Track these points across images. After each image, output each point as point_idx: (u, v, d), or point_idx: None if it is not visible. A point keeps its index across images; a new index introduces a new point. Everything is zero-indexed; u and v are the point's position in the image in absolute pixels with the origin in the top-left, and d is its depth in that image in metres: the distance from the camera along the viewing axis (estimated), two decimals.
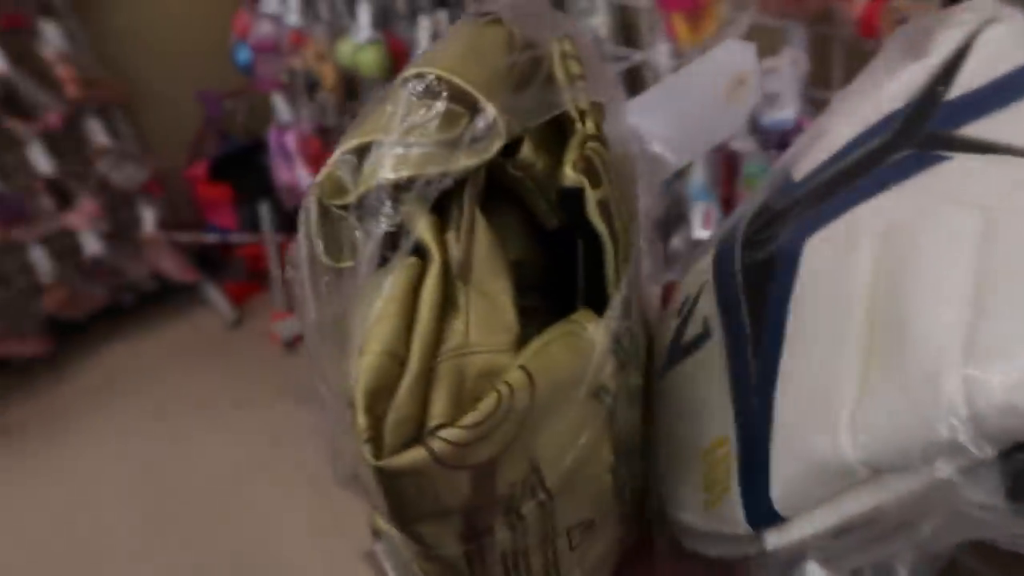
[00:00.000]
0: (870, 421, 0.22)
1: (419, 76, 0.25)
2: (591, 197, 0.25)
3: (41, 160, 1.88)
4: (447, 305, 0.24)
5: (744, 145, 1.17)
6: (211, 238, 2.09)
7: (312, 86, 1.69)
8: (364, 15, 1.53)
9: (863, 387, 0.22)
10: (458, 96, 0.24)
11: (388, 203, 0.24)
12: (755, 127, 1.16)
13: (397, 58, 1.53)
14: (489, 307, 0.24)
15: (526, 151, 0.26)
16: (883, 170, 0.27)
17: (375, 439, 0.22)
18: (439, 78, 0.24)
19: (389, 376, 0.22)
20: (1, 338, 1.90)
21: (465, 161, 0.24)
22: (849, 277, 0.24)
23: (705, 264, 0.33)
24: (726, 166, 1.23)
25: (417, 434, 0.22)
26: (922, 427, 0.20)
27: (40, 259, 1.95)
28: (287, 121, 1.85)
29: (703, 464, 0.29)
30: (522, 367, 0.23)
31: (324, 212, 0.25)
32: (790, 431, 0.25)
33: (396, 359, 0.22)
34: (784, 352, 0.26)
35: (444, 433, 0.22)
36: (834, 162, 0.29)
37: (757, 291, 0.28)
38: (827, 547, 0.25)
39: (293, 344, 1.94)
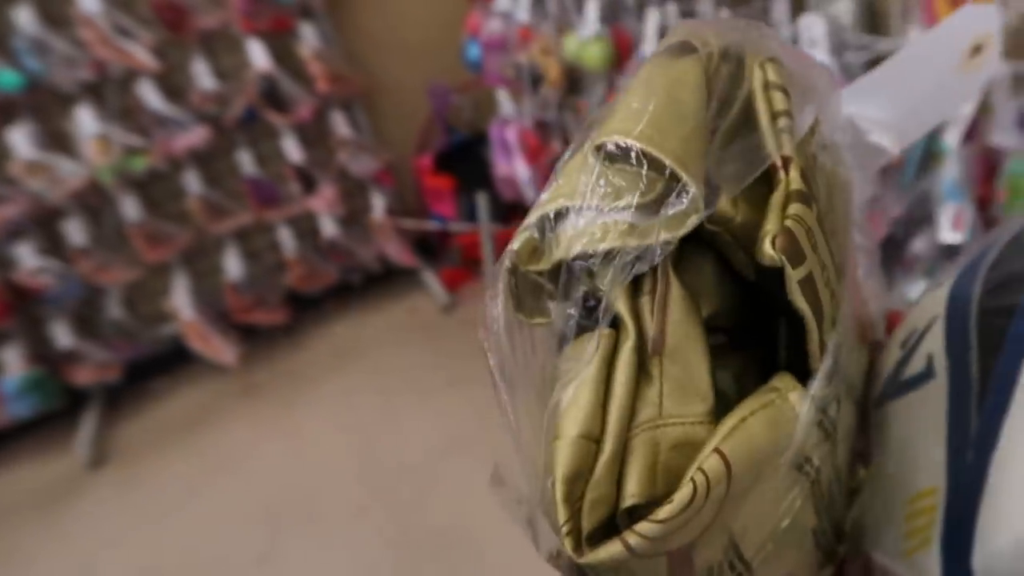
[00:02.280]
0: None
1: (618, 147, 0.24)
2: (792, 277, 0.23)
3: (292, 149, 2.09)
4: (640, 374, 0.23)
5: (1009, 140, 1.05)
6: (432, 226, 2.21)
7: (536, 80, 1.74)
8: (591, 10, 1.54)
9: None
10: (657, 165, 0.23)
11: (584, 274, 0.24)
12: None
13: (622, 52, 1.53)
14: (684, 376, 0.23)
15: (724, 205, 0.24)
16: None
17: (573, 532, 0.22)
18: (640, 151, 0.23)
19: (585, 459, 0.22)
20: (250, 307, 2.13)
21: (663, 235, 0.23)
22: None
23: (939, 297, 0.31)
24: (984, 163, 1.10)
25: (612, 513, 0.22)
26: None
27: (286, 238, 2.17)
28: (509, 115, 1.91)
29: (907, 510, 0.28)
30: (718, 451, 0.22)
31: (517, 273, 0.25)
32: (1004, 500, 0.23)
33: (591, 440, 0.22)
34: (1011, 412, 0.24)
35: (640, 527, 0.21)
36: None
37: (992, 341, 0.26)
38: None
39: None
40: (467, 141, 2.19)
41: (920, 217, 1.13)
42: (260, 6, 1.93)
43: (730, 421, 0.23)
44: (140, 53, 1.86)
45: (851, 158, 0.32)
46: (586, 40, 1.56)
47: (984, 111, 1.03)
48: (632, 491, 0.22)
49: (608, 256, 0.23)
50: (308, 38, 2.02)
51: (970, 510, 0.24)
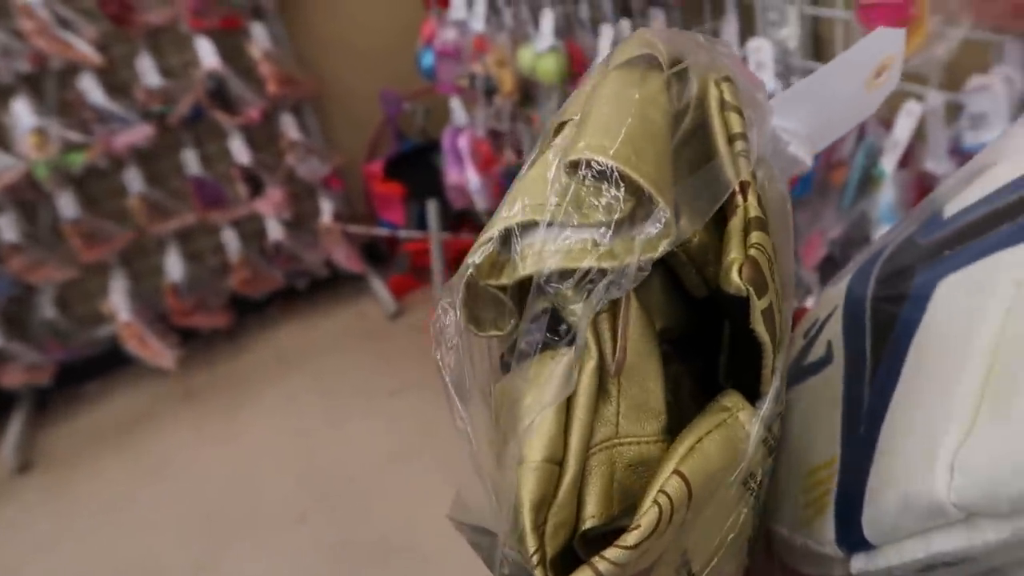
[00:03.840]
0: (969, 465, 0.22)
1: (591, 165, 0.23)
2: (757, 307, 0.23)
3: (240, 151, 2.05)
4: (599, 393, 0.23)
5: (941, 167, 1.10)
6: (381, 232, 2.20)
7: (490, 91, 1.75)
8: (547, 23, 1.56)
9: (969, 431, 0.22)
10: (633, 187, 0.23)
11: (552, 292, 0.23)
12: (956, 149, 1.08)
13: (576, 66, 1.55)
14: (640, 394, 0.24)
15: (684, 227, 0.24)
16: None
17: (543, 562, 0.22)
18: (618, 172, 0.23)
19: (550, 483, 0.22)
20: (192, 310, 2.08)
21: (640, 256, 0.23)
22: (977, 321, 0.24)
23: (838, 290, 0.33)
24: (919, 187, 1.16)
25: (572, 535, 0.22)
26: (1014, 479, 0.21)
27: (230, 240, 2.13)
28: (462, 124, 1.92)
29: (807, 482, 0.30)
30: (678, 472, 0.22)
31: (475, 287, 0.24)
32: (889, 461, 0.25)
33: (554, 463, 0.22)
34: (899, 386, 0.26)
35: (609, 554, 0.21)
36: (988, 202, 0.28)
37: (884, 325, 0.28)
38: None
39: None
40: (418, 148, 2.19)
41: (858, 238, 1.17)
42: (210, 4, 1.90)
43: (686, 442, 0.23)
44: (82, 46, 1.81)
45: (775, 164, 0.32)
46: (541, 53, 1.57)
47: (919, 139, 1.08)
48: (591, 512, 0.22)
49: (583, 277, 0.23)
50: (259, 38, 1.99)
51: (862, 475, 0.26)
